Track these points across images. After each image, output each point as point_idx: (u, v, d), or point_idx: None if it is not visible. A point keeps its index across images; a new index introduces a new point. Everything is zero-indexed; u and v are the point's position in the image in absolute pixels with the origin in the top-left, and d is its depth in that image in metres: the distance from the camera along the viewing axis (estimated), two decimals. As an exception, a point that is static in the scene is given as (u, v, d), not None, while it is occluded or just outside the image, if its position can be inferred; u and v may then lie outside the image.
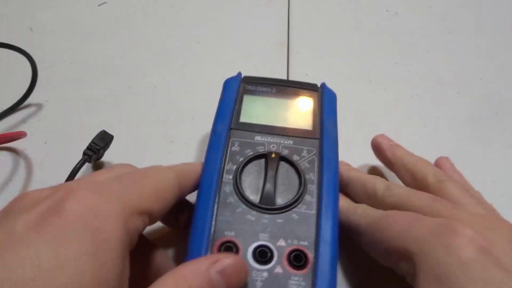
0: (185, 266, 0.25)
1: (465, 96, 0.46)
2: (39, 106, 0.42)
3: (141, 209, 0.25)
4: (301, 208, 0.31)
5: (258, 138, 0.35)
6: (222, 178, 0.32)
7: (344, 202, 0.34)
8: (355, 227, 0.32)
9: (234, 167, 0.33)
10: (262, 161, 0.33)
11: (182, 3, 0.48)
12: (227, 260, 0.26)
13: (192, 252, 0.29)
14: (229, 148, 0.34)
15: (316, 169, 0.33)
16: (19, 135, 0.37)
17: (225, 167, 0.33)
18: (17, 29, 0.47)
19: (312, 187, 0.32)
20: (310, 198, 0.32)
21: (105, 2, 0.49)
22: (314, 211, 0.31)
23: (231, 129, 0.35)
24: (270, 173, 0.32)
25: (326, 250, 0.29)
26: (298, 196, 0.32)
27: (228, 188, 0.32)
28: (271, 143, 0.35)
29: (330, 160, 0.34)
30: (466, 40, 0.52)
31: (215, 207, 0.31)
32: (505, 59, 0.50)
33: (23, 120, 0.42)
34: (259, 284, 0.28)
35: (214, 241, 0.29)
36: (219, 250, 0.29)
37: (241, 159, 0.33)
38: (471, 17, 0.55)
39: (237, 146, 0.34)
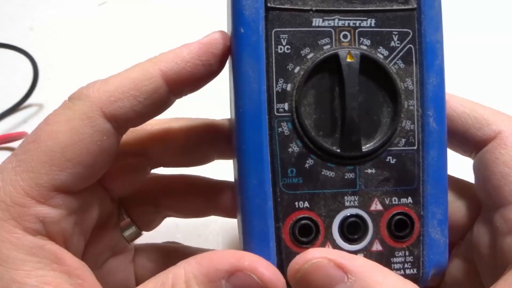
0: (196, 264, 0.18)
1: None
2: (40, 106, 0.42)
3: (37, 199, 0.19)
4: (398, 143, 0.21)
5: (318, 21, 0.20)
6: (273, 110, 0.20)
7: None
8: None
9: (289, 86, 0.20)
10: (331, 70, 0.20)
11: (182, 3, 0.48)
12: (247, 275, 0.18)
13: (251, 245, 0.20)
14: (273, 49, 0.20)
15: (415, 70, 0.21)
16: (20, 136, 0.38)
17: (275, 88, 0.20)
18: (17, 29, 0.47)
19: (412, 104, 0.21)
20: (410, 124, 0.21)
21: (105, 2, 0.49)
22: (415, 146, 0.21)
23: (268, 8, 0.20)
24: (351, 94, 0.20)
25: (437, 205, 0.21)
26: (394, 124, 0.20)
27: (285, 127, 0.20)
28: (341, 29, 0.20)
29: (436, 46, 0.21)
30: None
31: (270, 164, 0.20)
32: None
33: (24, 120, 0.42)
34: (354, 273, 0.20)
35: (282, 220, 0.20)
36: (292, 232, 0.20)
37: (297, 69, 0.20)
38: None
39: (286, 44, 0.20)
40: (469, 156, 0.24)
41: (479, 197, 0.24)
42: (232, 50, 0.20)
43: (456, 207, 0.25)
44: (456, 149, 0.24)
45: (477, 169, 0.23)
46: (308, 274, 0.18)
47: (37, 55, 0.42)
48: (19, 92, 0.41)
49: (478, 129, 0.22)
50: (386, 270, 0.18)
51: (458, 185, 0.25)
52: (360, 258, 0.19)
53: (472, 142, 0.22)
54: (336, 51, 0.20)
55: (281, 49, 0.20)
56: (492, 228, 0.23)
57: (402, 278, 0.18)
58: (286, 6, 0.20)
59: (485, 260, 0.23)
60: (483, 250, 0.23)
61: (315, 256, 0.18)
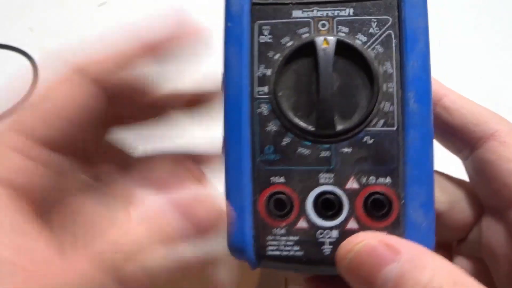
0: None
1: None
2: (39, 107, 0.45)
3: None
4: (376, 124, 0.21)
5: (297, 13, 0.22)
6: (254, 93, 0.22)
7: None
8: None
9: (269, 72, 0.22)
10: (308, 56, 0.22)
11: (182, 3, 0.41)
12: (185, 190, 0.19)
13: (230, 215, 0.21)
14: (255, 39, 0.22)
15: (394, 53, 0.21)
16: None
17: (256, 73, 0.22)
18: (17, 29, 0.46)
19: (391, 86, 0.21)
20: (389, 105, 0.21)
21: (105, 2, 0.48)
22: (395, 127, 0.21)
23: (253, 3, 0.22)
24: (325, 76, 0.21)
25: (419, 187, 0.20)
26: (370, 106, 0.21)
27: (264, 108, 0.22)
28: (320, 19, 0.22)
29: (418, 31, 0.21)
30: None
31: (251, 142, 0.22)
32: None
33: None
34: (327, 248, 0.21)
35: (258, 194, 0.21)
36: (267, 206, 0.21)
37: (277, 56, 0.22)
38: None
39: (268, 34, 0.22)
40: (459, 154, 0.24)
41: (482, 197, 0.23)
42: (222, 43, 0.23)
43: (458, 206, 0.24)
44: (449, 145, 0.24)
45: (477, 169, 0.22)
46: (360, 254, 0.18)
47: (36, 55, 0.42)
48: (19, 93, 0.41)
49: (475, 125, 0.22)
50: (432, 252, 0.18)
51: (460, 184, 0.24)
52: (406, 240, 0.19)
53: (467, 138, 0.22)
54: (313, 38, 0.22)
55: (263, 39, 0.22)
56: (507, 227, 0.22)
57: (447, 260, 0.18)
58: (268, 1, 0.22)
59: (501, 259, 0.22)
60: (497, 250, 0.22)
61: (366, 237, 0.19)
